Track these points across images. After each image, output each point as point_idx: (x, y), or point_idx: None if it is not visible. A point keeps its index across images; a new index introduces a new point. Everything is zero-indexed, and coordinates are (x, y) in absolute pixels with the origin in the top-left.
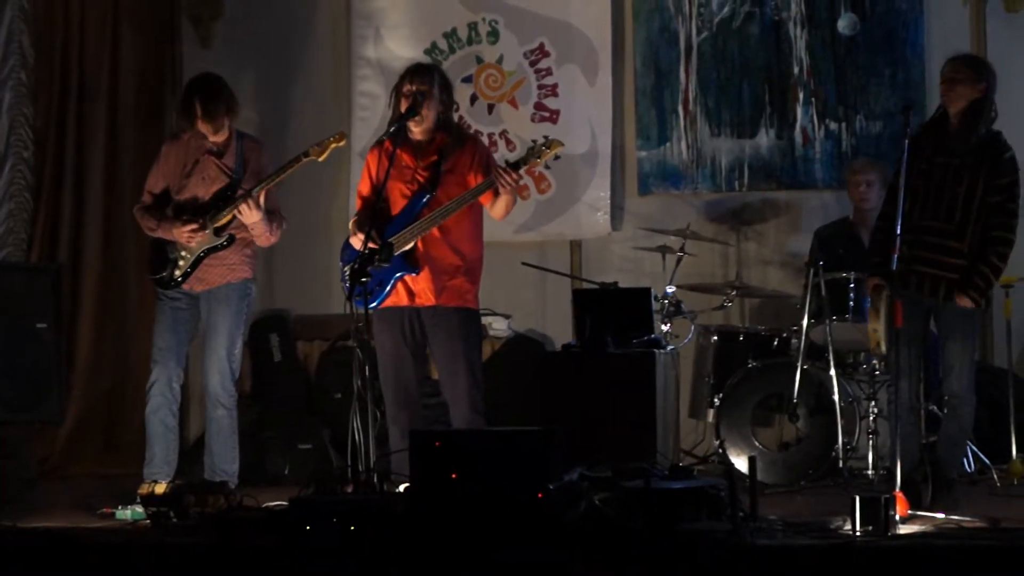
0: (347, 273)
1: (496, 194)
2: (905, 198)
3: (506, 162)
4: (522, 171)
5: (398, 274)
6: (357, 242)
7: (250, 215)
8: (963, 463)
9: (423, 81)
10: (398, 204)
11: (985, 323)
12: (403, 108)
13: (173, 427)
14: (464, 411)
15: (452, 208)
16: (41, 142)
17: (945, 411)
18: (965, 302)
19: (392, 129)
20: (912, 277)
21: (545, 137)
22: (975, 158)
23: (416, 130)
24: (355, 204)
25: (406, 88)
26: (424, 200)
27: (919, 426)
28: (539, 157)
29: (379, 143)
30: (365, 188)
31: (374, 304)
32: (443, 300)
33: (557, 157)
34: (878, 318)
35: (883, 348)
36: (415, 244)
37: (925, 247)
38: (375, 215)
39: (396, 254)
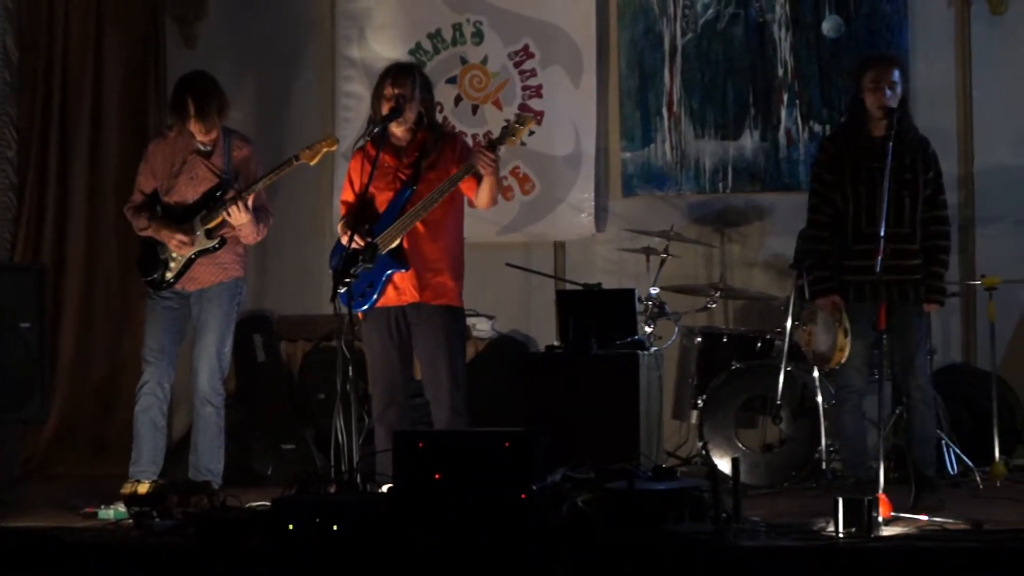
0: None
1: (478, 181)
2: (848, 206)
3: (484, 136)
4: (500, 151)
5: (388, 272)
6: None
7: (239, 217)
8: (946, 465)
9: (404, 83)
10: (383, 204)
11: (969, 324)
12: (385, 110)
13: (162, 427)
14: (445, 412)
15: (435, 198)
16: (25, 142)
17: (909, 409)
18: (934, 307)
19: (375, 131)
20: (867, 287)
21: (517, 115)
22: (911, 156)
23: (397, 131)
24: (339, 211)
25: (388, 91)
26: (406, 195)
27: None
28: (514, 135)
29: (360, 149)
30: (349, 196)
31: (365, 306)
32: (426, 297)
33: (531, 132)
34: (846, 335)
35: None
36: (401, 241)
37: (885, 255)
38: (362, 218)
39: (384, 252)
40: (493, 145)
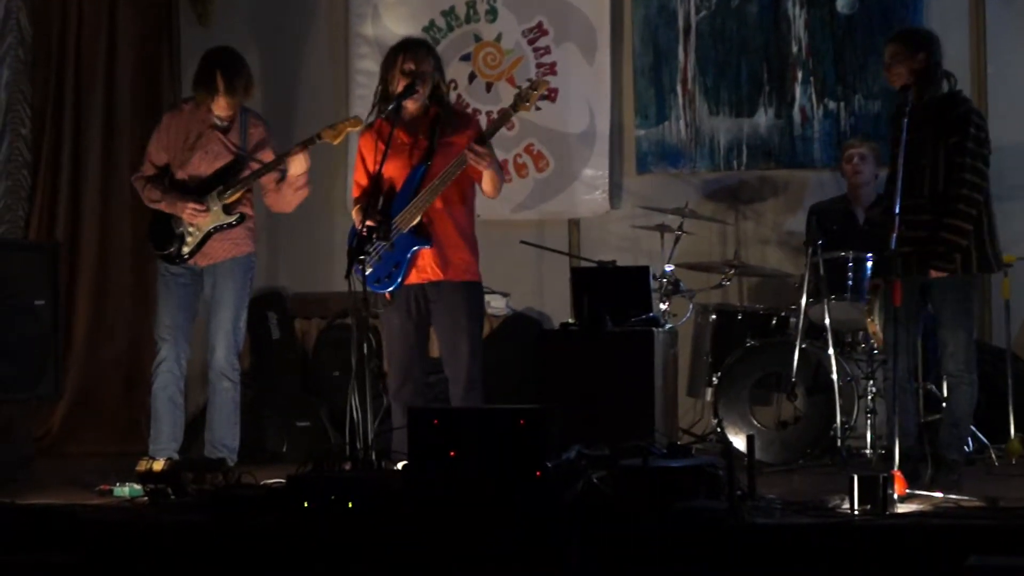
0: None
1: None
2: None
3: (498, 112)
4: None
5: (414, 248)
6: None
7: (302, 163)
8: (967, 446)
9: (418, 58)
10: (400, 182)
11: (983, 302)
12: (400, 87)
13: (180, 404)
14: (462, 387)
15: (453, 171)
16: (39, 119)
17: (945, 392)
18: (935, 273)
19: (390, 108)
20: (902, 261)
21: (529, 80)
22: (931, 126)
23: (410, 106)
24: (352, 192)
25: (408, 66)
26: (421, 171)
27: (916, 404)
28: (527, 101)
29: (369, 126)
30: (362, 177)
31: (392, 287)
32: (450, 275)
33: (545, 96)
34: (869, 317)
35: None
36: (422, 217)
37: (906, 227)
38: (378, 197)
39: (405, 231)
40: (506, 115)
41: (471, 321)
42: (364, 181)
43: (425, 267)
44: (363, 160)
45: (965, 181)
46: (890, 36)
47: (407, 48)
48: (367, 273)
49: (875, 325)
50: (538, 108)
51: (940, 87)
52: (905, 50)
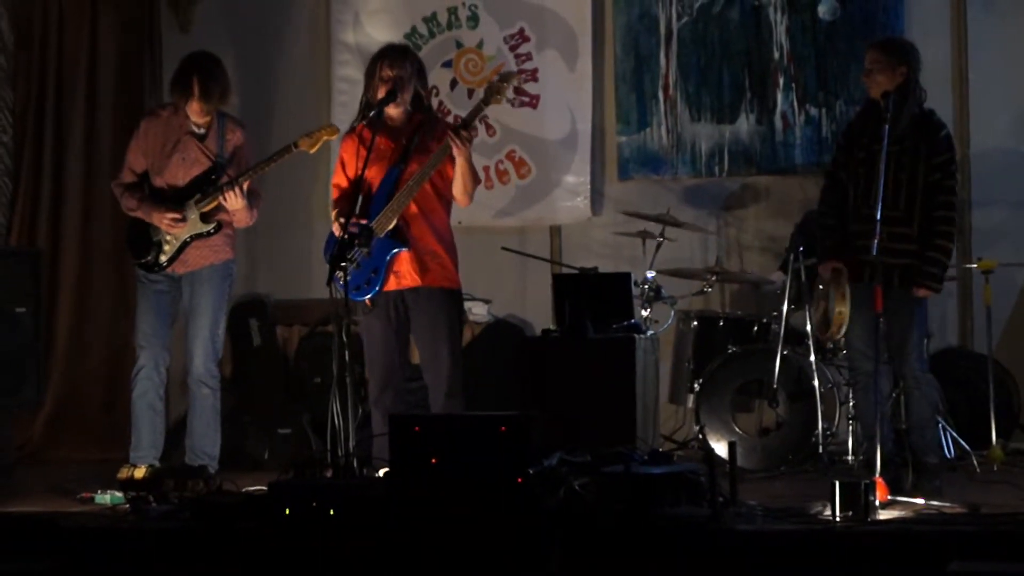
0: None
1: (452, 163)
2: (849, 188)
3: (467, 112)
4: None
5: (393, 252)
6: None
7: (235, 202)
8: (942, 447)
9: (401, 65)
10: (377, 187)
11: (965, 308)
12: (381, 93)
13: (160, 411)
14: (443, 394)
15: (426, 172)
16: (20, 127)
17: (904, 396)
18: (924, 292)
19: (372, 114)
20: (866, 268)
21: (500, 74)
22: (912, 141)
23: (393, 113)
24: (332, 193)
25: (386, 72)
26: (395, 175)
27: (893, 409)
28: (498, 93)
29: (351, 131)
30: (341, 180)
31: (370, 295)
32: (428, 280)
33: (516, 89)
34: (844, 300)
35: (843, 331)
36: (398, 221)
37: (880, 237)
38: (357, 202)
39: (382, 235)
40: (479, 109)
41: (451, 328)
42: (343, 183)
43: (404, 273)
44: (343, 164)
45: (952, 204)
46: (872, 42)
47: (386, 55)
48: (337, 276)
49: (843, 313)
50: (509, 101)
51: (916, 102)
52: (886, 59)
